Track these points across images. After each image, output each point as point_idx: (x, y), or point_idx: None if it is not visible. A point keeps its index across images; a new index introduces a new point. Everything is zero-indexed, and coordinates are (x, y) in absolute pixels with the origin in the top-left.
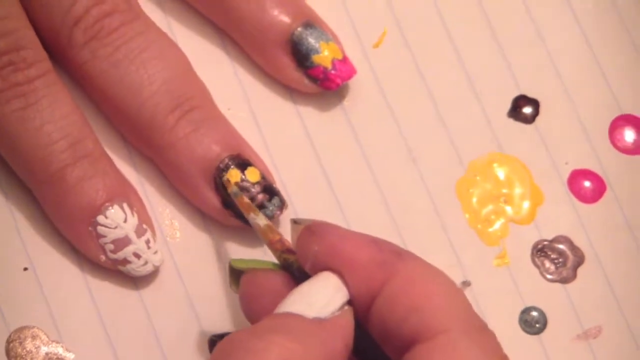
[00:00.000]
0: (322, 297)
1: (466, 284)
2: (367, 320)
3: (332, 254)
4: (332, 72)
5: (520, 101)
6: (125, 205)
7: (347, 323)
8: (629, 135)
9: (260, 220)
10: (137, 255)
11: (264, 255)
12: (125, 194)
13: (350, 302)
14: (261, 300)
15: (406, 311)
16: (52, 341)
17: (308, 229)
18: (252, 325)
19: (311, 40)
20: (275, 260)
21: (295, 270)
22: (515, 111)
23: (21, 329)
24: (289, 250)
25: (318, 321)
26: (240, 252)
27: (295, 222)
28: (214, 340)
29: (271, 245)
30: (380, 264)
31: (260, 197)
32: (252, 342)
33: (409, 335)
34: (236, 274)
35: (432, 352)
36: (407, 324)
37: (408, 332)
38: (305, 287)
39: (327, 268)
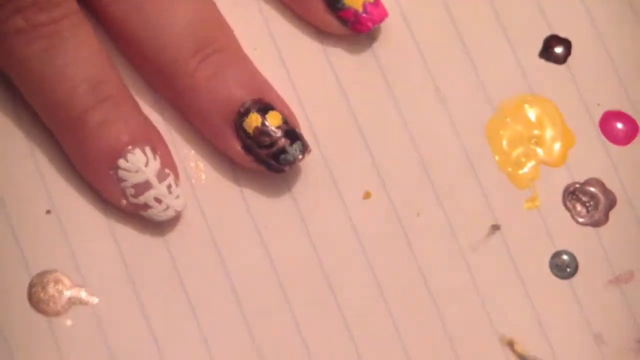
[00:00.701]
0: None
1: (495, 227)
2: None
3: None
4: (364, 14)
5: (552, 41)
6: (147, 149)
7: None
8: None
9: None
10: (158, 200)
11: (292, 199)
12: (148, 138)
13: None
14: None
15: None
16: (75, 285)
17: None
18: None
19: None
20: None
21: None
22: (546, 51)
23: (43, 273)
24: None
25: None
26: (265, 195)
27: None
28: None
29: None
30: None
31: (281, 142)
32: None
33: None
34: None
35: None
36: None
37: None
38: None
39: None
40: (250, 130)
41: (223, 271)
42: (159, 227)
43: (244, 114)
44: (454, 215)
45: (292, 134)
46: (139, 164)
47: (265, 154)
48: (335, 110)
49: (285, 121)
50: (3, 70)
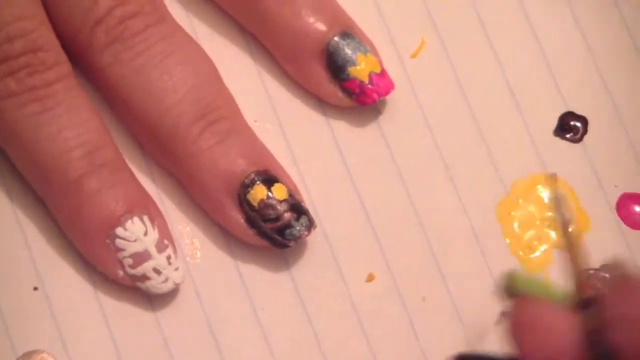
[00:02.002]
0: None
1: (504, 314)
2: None
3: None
4: (369, 86)
5: (568, 118)
6: (145, 218)
7: None
8: None
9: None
10: (158, 272)
11: (290, 277)
12: (145, 206)
13: None
14: (536, 333)
15: None
16: None
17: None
18: None
19: (348, 51)
20: (562, 289)
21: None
22: (561, 129)
23: (29, 354)
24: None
25: None
26: (263, 274)
27: (613, 267)
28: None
29: (579, 291)
30: None
31: (287, 215)
32: None
33: None
34: (511, 288)
35: None
36: None
37: None
38: None
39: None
40: (255, 203)
41: (217, 354)
42: (150, 306)
43: (248, 185)
44: (461, 299)
45: (298, 208)
46: (138, 232)
47: (270, 228)
48: (338, 186)
49: (290, 194)
50: None
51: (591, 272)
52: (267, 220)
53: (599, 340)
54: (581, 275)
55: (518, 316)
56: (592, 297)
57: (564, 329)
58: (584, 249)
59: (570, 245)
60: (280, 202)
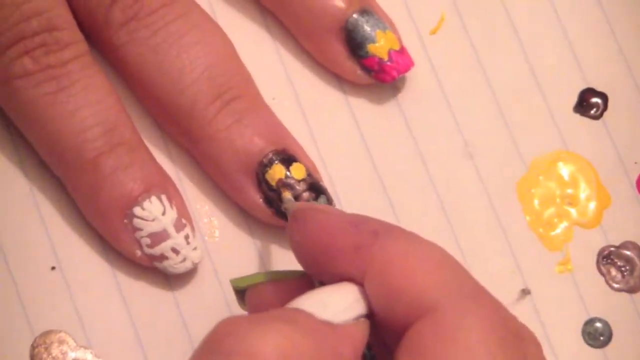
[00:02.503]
0: (338, 302)
1: (525, 291)
2: None
3: (311, 244)
4: (388, 63)
5: (588, 95)
6: (163, 197)
7: (361, 335)
8: None
9: None
10: (176, 251)
11: None
12: (163, 186)
13: (368, 317)
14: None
15: (389, 297)
16: (80, 346)
17: (291, 217)
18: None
19: (367, 28)
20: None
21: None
22: (582, 106)
23: (47, 333)
24: None
25: (329, 324)
26: (282, 253)
27: (284, 208)
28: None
29: None
30: (356, 249)
31: (305, 195)
32: (249, 328)
33: (399, 322)
34: (241, 293)
35: (423, 334)
36: (393, 312)
37: (397, 319)
38: (322, 291)
39: (312, 260)
40: (273, 182)
41: None
42: (169, 286)
43: (266, 164)
44: (481, 278)
45: (316, 187)
46: (156, 212)
47: (285, 209)
48: (357, 164)
49: (309, 174)
50: (6, 113)
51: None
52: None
53: None
54: None
55: (251, 305)
56: None
57: (283, 292)
58: None
59: None
60: (299, 181)
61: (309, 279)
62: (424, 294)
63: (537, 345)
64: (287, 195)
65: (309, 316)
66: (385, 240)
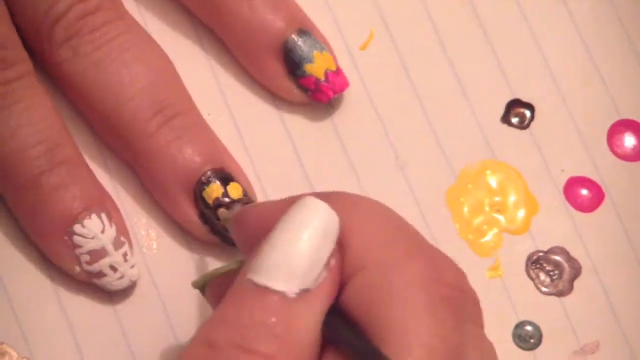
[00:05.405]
0: (306, 253)
1: None
2: None
3: (255, 231)
4: (324, 83)
5: (515, 105)
6: (103, 216)
7: (333, 289)
8: (628, 141)
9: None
10: (114, 269)
11: None
12: (103, 204)
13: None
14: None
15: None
16: (22, 358)
17: (235, 220)
18: (210, 324)
19: (305, 49)
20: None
21: None
22: (508, 116)
23: None
24: None
25: (303, 296)
26: (218, 264)
27: (224, 220)
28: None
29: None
30: None
31: None
32: None
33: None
34: (203, 291)
35: (352, 295)
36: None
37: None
38: (282, 236)
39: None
40: (210, 201)
41: (175, 343)
42: (109, 297)
43: (204, 182)
44: None
45: None
46: (95, 230)
47: (223, 226)
48: (291, 179)
49: (245, 193)
50: None
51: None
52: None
53: None
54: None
55: (212, 296)
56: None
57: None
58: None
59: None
60: (235, 201)
61: None
62: (358, 253)
63: (476, 302)
64: (224, 212)
65: (280, 303)
66: (331, 204)
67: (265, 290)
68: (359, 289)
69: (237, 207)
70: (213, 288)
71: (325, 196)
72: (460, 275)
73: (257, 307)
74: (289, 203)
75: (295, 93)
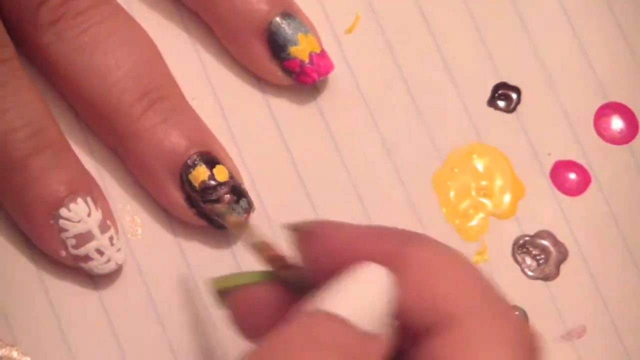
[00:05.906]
0: (372, 298)
1: None
2: None
3: (333, 257)
4: (309, 66)
5: (501, 89)
6: (89, 199)
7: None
8: (615, 124)
9: (255, 237)
10: (100, 252)
11: (231, 254)
12: (89, 188)
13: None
14: (258, 318)
15: (418, 302)
16: (6, 344)
17: (309, 234)
18: (277, 339)
19: (289, 31)
20: (258, 269)
21: (293, 285)
22: (495, 99)
23: None
24: (287, 266)
25: (370, 338)
26: (204, 250)
27: (293, 228)
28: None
29: (270, 262)
30: (386, 257)
31: (227, 197)
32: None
33: (421, 327)
34: (222, 293)
35: (445, 344)
36: (418, 316)
37: (420, 323)
38: (350, 284)
39: (333, 273)
40: (196, 184)
41: (160, 328)
42: (93, 283)
43: (190, 166)
44: None
45: (238, 190)
46: (81, 214)
47: (209, 209)
48: (277, 163)
49: (231, 176)
50: None
51: None
52: (207, 201)
53: None
54: (263, 253)
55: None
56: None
57: (271, 294)
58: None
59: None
60: (221, 184)
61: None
62: (451, 304)
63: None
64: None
65: (348, 332)
66: (415, 247)
67: (340, 319)
68: (456, 340)
69: (222, 201)
70: (235, 297)
71: (414, 239)
72: (539, 338)
73: (330, 334)
74: (376, 235)
75: (280, 76)
